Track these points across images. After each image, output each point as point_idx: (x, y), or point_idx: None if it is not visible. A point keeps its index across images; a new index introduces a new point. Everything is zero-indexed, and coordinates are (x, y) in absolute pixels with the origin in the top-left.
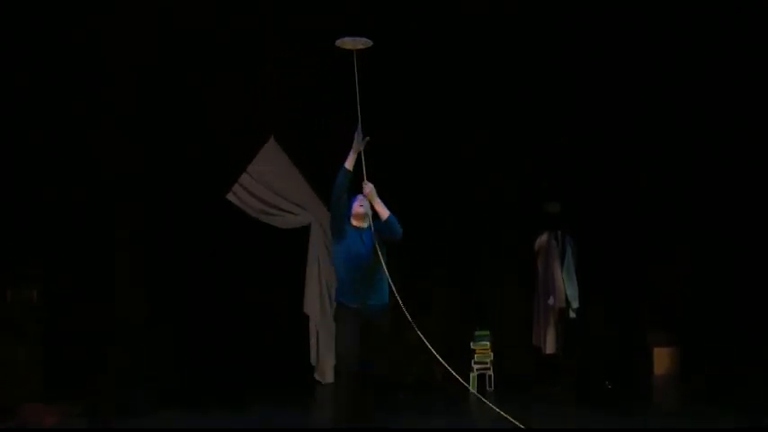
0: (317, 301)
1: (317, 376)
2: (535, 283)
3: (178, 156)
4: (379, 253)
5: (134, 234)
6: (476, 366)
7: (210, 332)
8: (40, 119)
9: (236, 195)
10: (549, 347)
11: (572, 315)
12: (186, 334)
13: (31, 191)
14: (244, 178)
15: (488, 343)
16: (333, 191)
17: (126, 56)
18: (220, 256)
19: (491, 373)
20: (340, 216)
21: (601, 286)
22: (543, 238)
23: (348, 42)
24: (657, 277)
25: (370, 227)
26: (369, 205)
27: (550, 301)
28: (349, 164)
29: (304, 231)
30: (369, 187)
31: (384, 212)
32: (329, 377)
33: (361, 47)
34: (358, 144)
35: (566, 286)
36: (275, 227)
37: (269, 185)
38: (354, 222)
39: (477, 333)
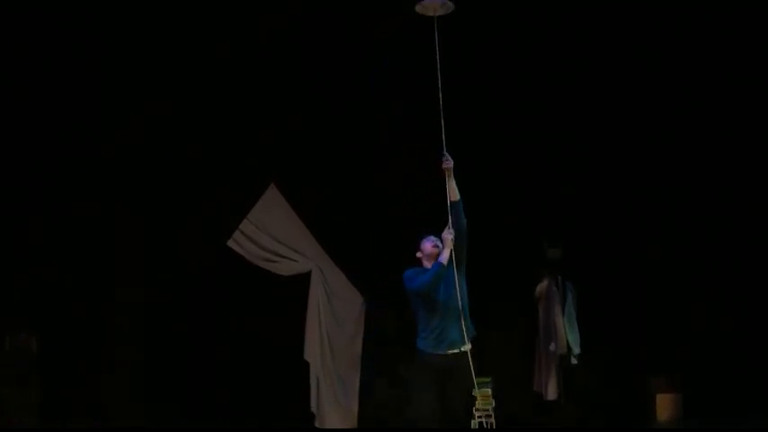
0: (318, 348)
1: (317, 423)
2: (536, 330)
3: (180, 202)
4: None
5: (134, 281)
6: (477, 414)
7: (210, 378)
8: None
9: (237, 242)
10: (551, 394)
11: (573, 361)
12: (185, 380)
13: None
14: (245, 225)
15: (490, 390)
16: (425, 283)
17: (130, 98)
18: (221, 303)
19: (493, 420)
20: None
21: (602, 332)
22: (544, 284)
23: (429, 6)
24: (659, 322)
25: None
26: (441, 245)
27: (552, 347)
28: (445, 259)
29: (305, 278)
30: (450, 162)
31: (456, 194)
32: (329, 423)
33: (442, 12)
34: (450, 239)
35: (567, 332)
36: (276, 273)
37: (270, 232)
38: (427, 264)
39: (477, 380)
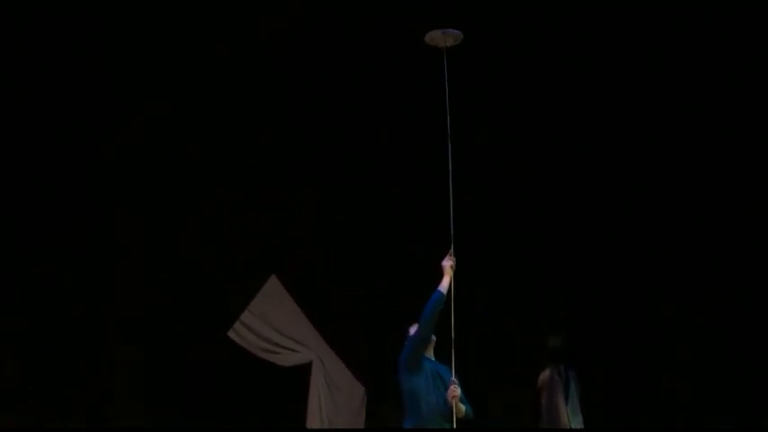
0: None
1: None
2: (539, 419)
3: (180, 202)
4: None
5: (134, 280)
6: None
7: (210, 378)
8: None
9: (237, 333)
10: None
11: None
12: (185, 380)
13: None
14: (245, 316)
15: None
16: (426, 318)
17: (130, 98)
18: (220, 394)
19: None
20: (425, 344)
21: (605, 417)
22: (546, 373)
23: (438, 37)
24: (665, 408)
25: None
26: None
27: None
28: (444, 287)
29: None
30: (457, 390)
31: (463, 412)
32: None
33: (451, 43)
34: (449, 266)
35: (570, 421)
36: (276, 364)
37: (271, 323)
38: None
39: None
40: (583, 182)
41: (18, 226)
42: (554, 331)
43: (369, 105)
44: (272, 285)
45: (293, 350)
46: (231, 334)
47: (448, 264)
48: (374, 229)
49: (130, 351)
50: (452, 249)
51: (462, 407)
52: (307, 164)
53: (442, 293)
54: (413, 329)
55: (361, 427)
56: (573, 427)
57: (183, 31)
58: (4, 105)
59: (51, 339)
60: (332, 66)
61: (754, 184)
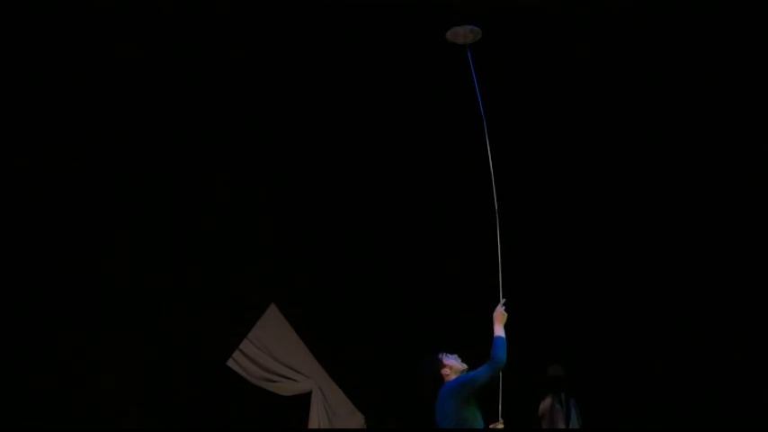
0: None
1: None
2: None
3: (178, 294)
4: None
5: (133, 372)
6: None
7: (210, 379)
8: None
9: (237, 362)
10: None
11: None
12: (186, 380)
13: None
14: (245, 345)
15: None
16: (498, 364)
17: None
18: (220, 394)
19: None
20: (484, 385)
21: (605, 417)
22: (547, 402)
23: (459, 35)
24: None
25: None
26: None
27: None
28: (503, 332)
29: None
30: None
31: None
32: None
33: (471, 39)
34: (505, 316)
35: None
36: (276, 394)
37: (269, 352)
38: (454, 377)
39: None
40: (579, 182)
41: (18, 225)
42: (553, 360)
43: (369, 105)
44: (272, 314)
45: (293, 379)
46: (230, 363)
47: (503, 312)
48: (375, 230)
49: (130, 351)
50: (503, 301)
51: None
52: (307, 164)
53: (503, 337)
54: (447, 359)
55: None
56: None
57: (184, 31)
58: (4, 105)
59: (51, 339)
60: (332, 65)
61: (753, 187)
